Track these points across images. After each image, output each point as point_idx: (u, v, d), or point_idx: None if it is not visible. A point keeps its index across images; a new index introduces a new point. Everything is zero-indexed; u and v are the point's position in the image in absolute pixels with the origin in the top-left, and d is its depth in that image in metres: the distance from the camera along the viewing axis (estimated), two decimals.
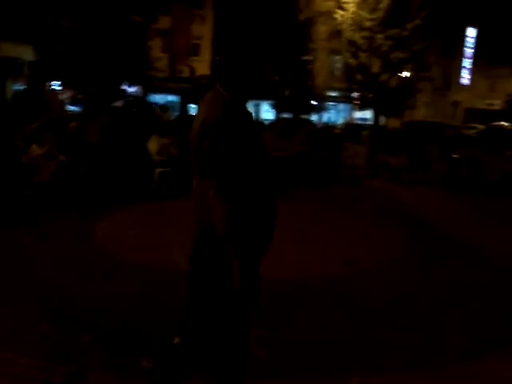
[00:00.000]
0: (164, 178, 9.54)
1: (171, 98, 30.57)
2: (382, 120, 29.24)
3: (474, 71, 45.13)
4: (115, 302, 4.42)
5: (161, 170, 9.50)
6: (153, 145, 9.61)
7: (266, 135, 12.19)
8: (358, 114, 36.68)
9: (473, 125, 36.38)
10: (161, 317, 4.10)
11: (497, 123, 33.56)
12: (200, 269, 2.45)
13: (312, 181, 11.08)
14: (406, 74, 25.96)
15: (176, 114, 22.19)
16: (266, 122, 20.84)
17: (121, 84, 18.73)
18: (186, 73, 29.69)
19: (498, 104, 41.09)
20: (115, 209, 8.06)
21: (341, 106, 35.75)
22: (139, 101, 18.50)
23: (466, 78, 45.60)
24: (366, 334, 3.99)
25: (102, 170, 9.16)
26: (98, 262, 5.51)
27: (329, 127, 21.74)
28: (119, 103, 16.97)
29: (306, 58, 25.16)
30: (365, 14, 23.99)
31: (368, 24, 24.03)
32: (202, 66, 31.01)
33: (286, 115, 25.92)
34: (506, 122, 32.12)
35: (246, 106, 2.45)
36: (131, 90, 21.26)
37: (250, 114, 2.46)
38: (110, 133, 10.00)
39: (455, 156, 13.56)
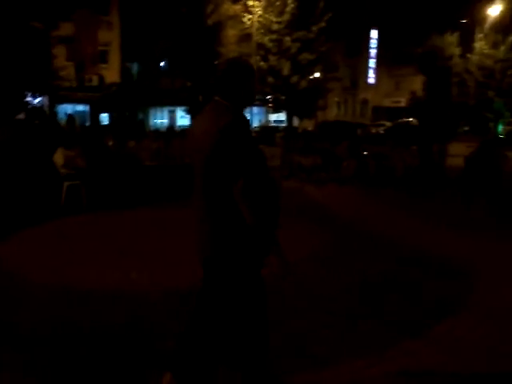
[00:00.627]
0: (73, 191, 9.12)
1: (81, 107, 29.54)
2: (297, 121, 29.90)
3: (379, 71, 47.40)
4: (20, 326, 4.12)
5: (69, 183, 9.08)
6: (58, 157, 9.16)
7: (178, 142, 12.06)
8: (273, 117, 37.31)
9: (381, 122, 38.20)
10: (73, 337, 3.88)
11: (403, 120, 35.43)
12: (220, 275, 2.65)
13: None
14: (315, 75, 26.71)
15: (85, 123, 21.48)
16: (179, 129, 20.67)
17: (23, 95, 17.77)
18: (95, 81, 28.74)
19: (403, 101, 43.33)
20: (22, 227, 7.56)
21: (256, 110, 36.16)
22: (42, 112, 17.63)
23: (372, 77, 47.78)
24: (286, 332, 3.98)
25: (4, 186, 8.61)
26: (3, 285, 5.13)
27: None
28: (22, 115, 16.10)
29: (217, 62, 25.20)
30: (272, 17, 24.47)
31: (276, 27, 24.52)
32: (111, 73, 30.18)
33: None
34: (411, 118, 33.98)
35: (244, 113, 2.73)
36: (36, 100, 20.24)
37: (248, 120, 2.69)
38: (12, 146, 9.45)
39: (364, 153, 14.10)
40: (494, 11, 33.12)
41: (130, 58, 31.14)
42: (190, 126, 2.91)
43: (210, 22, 23.50)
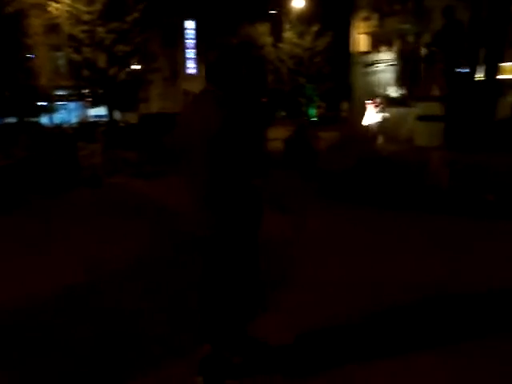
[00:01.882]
0: None
1: None
2: (119, 115, 28.92)
3: (198, 60, 47.93)
4: None
5: None
6: None
7: None
8: (93, 111, 35.55)
9: None
10: None
11: None
12: (219, 249, 2.83)
13: (48, 188, 10.15)
14: (134, 66, 26.05)
15: None
16: None
17: None
18: None
19: None
20: None
21: (73, 105, 34.08)
22: None
23: (191, 67, 48.15)
24: (117, 338, 3.78)
25: None
26: None
27: (60, 128, 20.46)
28: None
29: (23, 55, 23.15)
30: (81, 6, 23.13)
31: (86, 17, 23.26)
32: None
33: (9, 120, 23.51)
34: None
35: (239, 101, 2.67)
36: None
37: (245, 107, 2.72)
38: None
39: None
40: (299, 3, 35.60)
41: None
42: (182, 113, 2.88)
43: (10, 9, 21.36)
